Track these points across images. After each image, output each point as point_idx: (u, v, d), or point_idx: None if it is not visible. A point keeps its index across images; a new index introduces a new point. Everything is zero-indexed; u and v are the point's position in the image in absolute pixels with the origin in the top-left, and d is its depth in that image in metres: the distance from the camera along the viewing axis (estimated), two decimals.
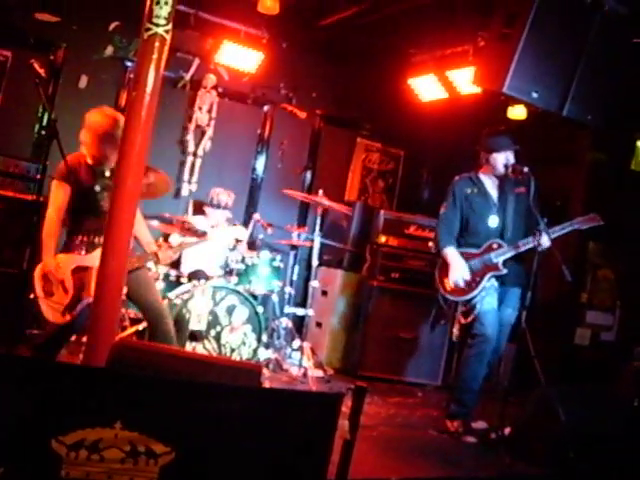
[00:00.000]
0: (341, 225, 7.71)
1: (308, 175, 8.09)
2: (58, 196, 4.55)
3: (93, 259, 4.45)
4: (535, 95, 4.86)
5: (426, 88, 7.37)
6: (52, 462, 2.08)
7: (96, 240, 4.58)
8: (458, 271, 5.13)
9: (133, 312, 6.10)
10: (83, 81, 6.73)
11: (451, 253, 5.17)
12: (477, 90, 6.08)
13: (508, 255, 5.08)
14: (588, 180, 7.50)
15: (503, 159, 5.14)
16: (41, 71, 3.78)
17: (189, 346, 5.69)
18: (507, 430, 4.82)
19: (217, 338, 5.80)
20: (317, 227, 6.58)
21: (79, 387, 2.13)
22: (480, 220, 5.20)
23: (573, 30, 4.92)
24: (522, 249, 5.05)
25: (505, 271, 5.08)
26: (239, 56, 7.08)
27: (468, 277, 5.10)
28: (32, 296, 4.57)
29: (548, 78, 4.89)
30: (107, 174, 4.68)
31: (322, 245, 6.64)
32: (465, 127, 7.57)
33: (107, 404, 2.13)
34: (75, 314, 4.55)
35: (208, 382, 2.45)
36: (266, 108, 7.81)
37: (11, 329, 4.95)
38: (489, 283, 5.10)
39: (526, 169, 4.94)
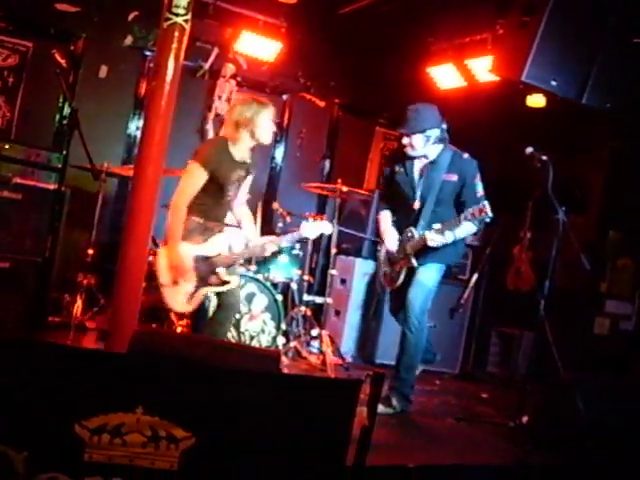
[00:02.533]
0: (360, 213, 7.72)
1: (327, 164, 8.09)
2: (195, 182, 4.38)
3: (213, 247, 4.48)
4: (554, 83, 4.84)
5: (445, 76, 7.35)
6: (75, 446, 2.11)
7: (216, 229, 4.54)
8: (389, 240, 5.00)
9: None
10: (103, 71, 6.77)
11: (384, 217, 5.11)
12: (496, 78, 6.06)
13: (417, 248, 4.81)
14: (607, 169, 7.46)
15: (406, 139, 4.87)
16: (62, 61, 3.84)
17: None
18: (525, 418, 4.83)
19: (236, 326, 5.83)
20: (335, 215, 6.60)
21: (101, 372, 2.15)
22: (403, 200, 4.98)
23: (593, 17, 4.89)
24: (420, 245, 4.78)
25: (416, 265, 4.83)
26: (258, 45, 7.09)
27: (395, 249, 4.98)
28: (154, 284, 4.47)
29: (567, 66, 4.87)
30: (248, 161, 4.60)
31: (341, 233, 6.65)
32: (484, 115, 7.56)
33: (129, 389, 2.16)
34: (198, 302, 4.55)
35: (227, 368, 2.48)
36: (285, 97, 7.82)
37: (34, 316, 5.02)
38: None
39: (544, 158, 4.88)
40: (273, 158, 7.90)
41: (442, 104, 7.53)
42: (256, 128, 4.45)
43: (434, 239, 4.63)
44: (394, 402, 4.83)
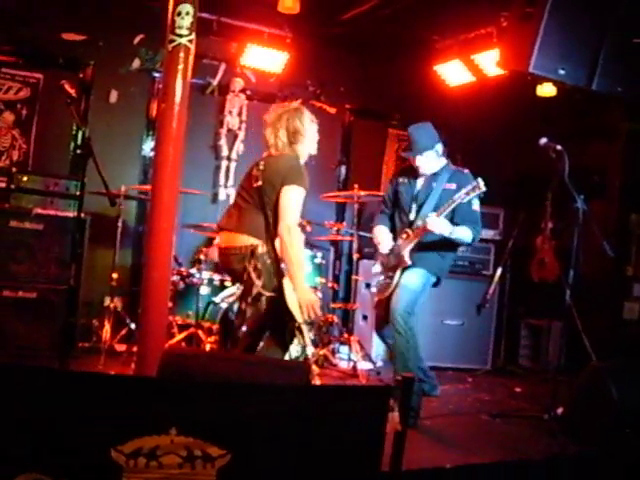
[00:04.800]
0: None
1: (343, 170, 8.10)
2: (301, 205, 4.17)
3: None
4: (562, 72, 4.81)
5: (453, 73, 7.34)
6: (113, 471, 2.13)
7: None
8: (383, 245, 4.95)
9: (180, 318, 6.20)
10: (113, 96, 6.84)
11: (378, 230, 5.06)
12: (504, 71, 6.04)
13: (413, 241, 4.76)
14: (624, 151, 7.41)
15: (418, 161, 4.88)
16: (72, 91, 3.86)
17: None
18: (560, 410, 4.80)
19: None
20: (354, 221, 6.62)
21: (133, 397, 2.18)
22: (402, 211, 4.97)
23: (597, 2, 4.87)
24: (418, 236, 4.74)
25: (409, 263, 4.77)
26: (264, 57, 7.12)
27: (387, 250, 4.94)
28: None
29: (574, 53, 4.84)
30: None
31: (362, 238, 6.66)
32: (496, 108, 7.53)
33: (161, 412, 2.17)
34: None
35: (257, 383, 2.49)
36: None
37: (64, 343, 5.07)
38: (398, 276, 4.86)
39: (559, 147, 4.86)
40: None
41: (453, 101, 7.62)
42: (306, 137, 4.32)
43: (434, 222, 4.57)
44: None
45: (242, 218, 4.25)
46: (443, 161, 4.93)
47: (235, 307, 5.78)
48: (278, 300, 4.10)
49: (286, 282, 4.11)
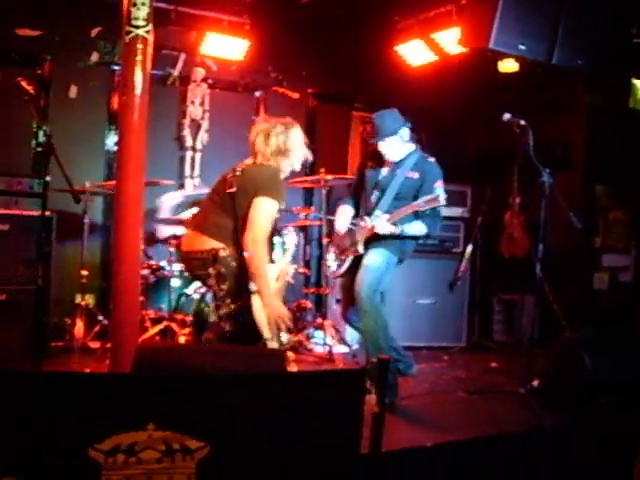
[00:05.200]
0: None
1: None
2: (272, 219, 4.16)
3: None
4: (522, 47, 4.85)
5: (414, 53, 7.32)
6: (92, 470, 2.12)
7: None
8: (339, 223, 4.98)
9: (153, 312, 6.16)
10: (73, 91, 6.73)
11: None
12: (465, 49, 6.05)
13: (365, 235, 4.76)
14: (587, 124, 7.47)
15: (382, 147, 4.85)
16: (29, 88, 3.80)
17: None
18: (535, 383, 4.85)
19: None
20: (323, 205, 6.61)
21: (108, 395, 2.16)
22: (365, 196, 4.96)
23: None
24: (369, 233, 4.73)
25: (362, 252, 4.77)
26: (224, 45, 7.06)
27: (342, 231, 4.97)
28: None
29: (533, 28, 4.88)
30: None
31: (331, 222, 6.65)
32: (459, 86, 7.54)
33: (137, 407, 2.16)
34: None
35: (232, 373, 2.48)
36: (258, 94, 7.79)
37: (36, 344, 5.01)
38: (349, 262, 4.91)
39: (522, 122, 4.88)
40: None
41: (416, 81, 7.62)
42: (294, 152, 4.30)
43: (382, 226, 4.59)
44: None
45: (207, 219, 4.20)
46: (411, 147, 4.90)
47: (208, 297, 5.76)
48: (246, 316, 4.07)
49: (255, 299, 4.06)
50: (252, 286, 4.03)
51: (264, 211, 4.04)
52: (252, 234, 4.01)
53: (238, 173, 4.17)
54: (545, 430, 4.20)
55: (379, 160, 4.94)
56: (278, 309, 4.07)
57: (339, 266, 4.99)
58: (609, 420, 4.23)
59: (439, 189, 4.67)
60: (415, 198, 4.65)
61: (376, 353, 4.37)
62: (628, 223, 7.88)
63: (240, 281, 4.08)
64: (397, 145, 4.82)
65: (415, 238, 4.87)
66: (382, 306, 4.70)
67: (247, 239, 4.02)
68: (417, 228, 4.72)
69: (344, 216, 4.99)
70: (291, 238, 4.50)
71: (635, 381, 4.49)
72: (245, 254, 4.05)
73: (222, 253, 4.06)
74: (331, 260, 5.11)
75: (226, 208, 4.14)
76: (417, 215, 4.70)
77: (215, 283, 4.06)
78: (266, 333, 4.07)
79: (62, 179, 4.86)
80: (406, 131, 4.83)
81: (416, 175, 4.76)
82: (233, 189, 4.11)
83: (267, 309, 4.04)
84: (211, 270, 4.05)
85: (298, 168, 4.40)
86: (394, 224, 4.61)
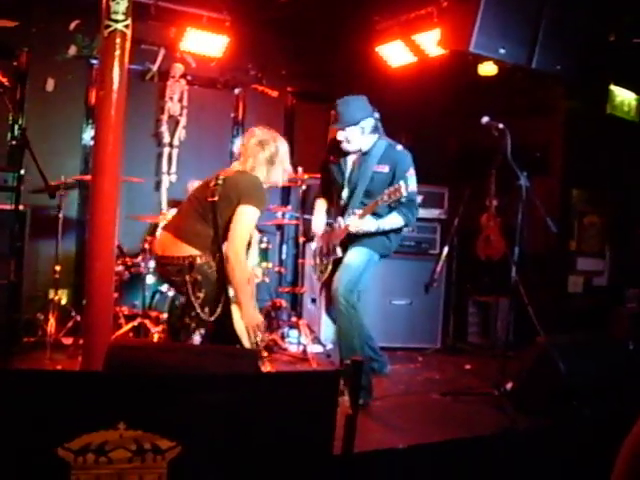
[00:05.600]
0: None
1: None
2: (252, 227, 4.21)
3: None
4: (502, 51, 4.86)
5: (394, 54, 7.32)
6: (61, 469, 2.10)
7: None
8: (315, 223, 4.96)
9: (127, 309, 6.12)
10: (50, 84, 6.65)
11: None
12: (445, 51, 6.06)
13: (341, 237, 4.72)
14: (565, 129, 7.52)
15: (341, 135, 4.73)
16: (4, 80, 3.75)
17: None
18: (509, 385, 4.86)
19: None
20: (300, 204, 6.60)
21: (78, 393, 2.14)
22: (336, 193, 4.89)
23: None
24: (344, 233, 4.69)
25: (340, 255, 4.73)
26: (204, 42, 7.01)
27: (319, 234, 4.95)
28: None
29: (514, 32, 4.90)
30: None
31: (308, 222, 6.64)
32: (439, 88, 7.56)
33: (108, 406, 2.14)
34: None
35: (204, 374, 2.46)
36: (237, 91, 7.76)
37: (8, 340, 4.96)
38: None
39: (501, 125, 4.88)
40: (232, 153, 7.81)
41: (395, 82, 7.62)
42: (283, 168, 4.34)
43: (354, 224, 4.55)
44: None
45: (186, 225, 4.18)
46: (373, 138, 4.74)
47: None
48: (224, 324, 4.07)
49: (234, 308, 4.07)
50: (231, 293, 4.04)
51: (246, 220, 4.07)
52: (234, 246, 4.02)
53: (220, 182, 4.14)
54: (519, 432, 4.22)
55: (342, 152, 4.81)
56: (255, 318, 4.10)
57: (321, 271, 4.94)
58: (583, 423, 4.26)
59: (411, 178, 4.61)
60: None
61: (349, 354, 4.37)
62: (603, 228, 7.95)
63: (217, 289, 4.07)
64: (356, 136, 4.68)
65: (396, 231, 4.80)
66: (358, 306, 4.64)
67: (229, 250, 4.03)
68: (394, 220, 4.66)
69: (319, 215, 4.95)
70: (255, 237, 4.47)
71: (608, 384, 4.53)
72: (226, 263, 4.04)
73: (199, 261, 4.05)
74: (316, 265, 5.05)
75: (206, 216, 4.12)
76: (391, 208, 4.64)
77: (191, 291, 4.04)
78: (245, 342, 4.07)
79: (38, 173, 4.83)
80: (370, 122, 4.69)
81: (386, 169, 4.65)
82: (215, 198, 4.09)
83: (245, 319, 4.06)
84: (187, 277, 4.03)
85: (280, 183, 4.42)
86: (364, 218, 4.54)
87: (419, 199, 4.87)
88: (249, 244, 4.23)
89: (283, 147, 4.32)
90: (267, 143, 4.26)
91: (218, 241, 4.07)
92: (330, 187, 4.99)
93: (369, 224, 4.58)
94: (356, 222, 4.56)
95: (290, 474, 2.28)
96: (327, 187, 5.06)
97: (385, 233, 4.72)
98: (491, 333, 7.41)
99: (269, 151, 4.25)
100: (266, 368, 5.15)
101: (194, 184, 6.29)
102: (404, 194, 4.36)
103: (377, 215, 4.62)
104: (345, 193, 4.79)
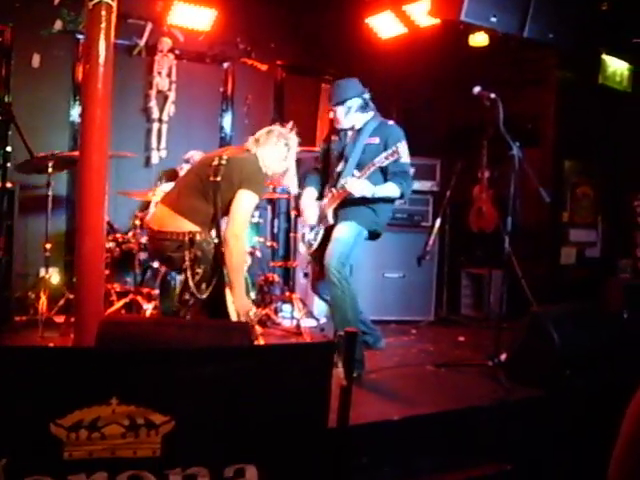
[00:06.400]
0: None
1: None
2: (252, 211, 4.31)
3: None
4: (494, 19, 4.82)
5: (384, 25, 7.28)
6: (53, 446, 2.08)
7: None
8: (307, 215, 4.99)
9: (119, 285, 6.09)
10: (36, 60, 6.55)
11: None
12: (436, 21, 6.00)
13: (335, 202, 4.76)
14: (557, 99, 7.47)
15: (331, 114, 5.01)
16: None
17: None
18: (503, 356, 4.87)
19: None
20: None
21: (70, 369, 2.12)
22: (331, 167, 4.98)
23: None
24: (340, 197, 4.73)
25: (332, 222, 4.79)
26: (192, 15, 6.93)
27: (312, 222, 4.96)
28: None
29: (505, 0, 4.84)
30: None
31: (299, 195, 6.61)
32: (429, 60, 7.51)
33: (100, 381, 2.12)
34: None
35: (197, 347, 2.44)
36: (226, 65, 7.69)
37: None
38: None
39: (493, 95, 4.85)
40: (222, 128, 7.79)
41: (386, 54, 7.56)
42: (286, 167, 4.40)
43: (352, 183, 4.55)
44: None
45: (185, 200, 4.15)
46: (364, 116, 4.86)
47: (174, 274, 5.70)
48: (217, 302, 4.07)
49: (228, 292, 4.08)
50: (227, 277, 4.05)
51: (246, 206, 4.09)
52: (234, 229, 4.03)
53: (224, 162, 4.11)
54: (513, 403, 4.22)
55: (339, 132, 4.95)
56: (245, 305, 4.12)
57: (310, 242, 4.93)
58: (576, 393, 4.27)
59: (403, 149, 4.63)
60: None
61: (344, 326, 4.37)
62: (595, 199, 7.94)
63: (213, 266, 4.07)
64: (342, 115, 4.82)
65: (390, 201, 4.83)
66: (350, 279, 4.68)
67: (229, 233, 4.03)
68: (390, 189, 4.68)
69: (312, 207, 4.97)
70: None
71: (602, 354, 4.53)
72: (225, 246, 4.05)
73: (199, 237, 4.04)
74: (305, 237, 5.04)
75: (207, 195, 4.10)
76: (386, 178, 4.69)
77: (189, 267, 4.02)
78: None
79: (25, 151, 4.77)
80: (356, 102, 4.81)
81: (376, 140, 4.75)
82: (217, 178, 4.07)
83: (236, 303, 4.08)
84: (187, 253, 4.00)
85: (275, 180, 4.51)
86: (362, 181, 4.56)
87: (411, 171, 4.88)
88: None
89: (294, 147, 4.38)
90: (285, 137, 4.32)
91: (217, 220, 4.07)
92: (326, 161, 5.05)
93: (366, 187, 4.58)
94: (354, 182, 4.55)
95: (285, 447, 2.27)
96: (322, 163, 5.10)
97: (374, 202, 4.71)
98: (484, 305, 7.42)
99: (284, 145, 4.31)
100: (259, 343, 5.14)
101: (195, 156, 6.25)
102: (403, 158, 4.50)
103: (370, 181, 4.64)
104: (339, 167, 4.85)
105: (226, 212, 4.12)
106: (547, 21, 5.06)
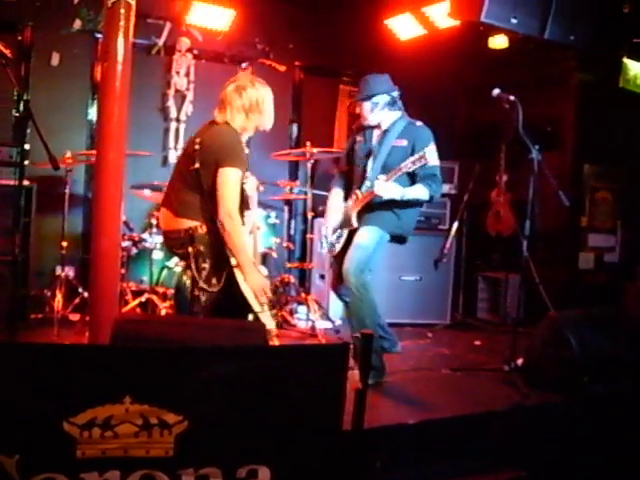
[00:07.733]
0: (333, 175, 7.66)
1: (294, 128, 7.99)
2: (238, 187, 4.02)
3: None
4: (514, 21, 4.78)
5: (404, 27, 7.24)
6: (66, 444, 2.08)
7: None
8: (330, 220, 4.92)
9: (134, 284, 6.09)
10: (55, 58, 6.58)
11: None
12: (455, 23, 5.96)
13: (360, 206, 4.69)
14: (577, 102, 7.43)
15: (357, 109, 4.85)
16: (7, 52, 3.67)
17: None
18: (520, 361, 4.83)
19: None
20: (308, 179, 6.54)
21: (83, 367, 2.11)
22: (356, 168, 4.87)
23: None
24: (365, 199, 4.65)
25: (356, 226, 4.69)
26: (210, 15, 6.92)
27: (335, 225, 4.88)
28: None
29: (526, 2, 4.80)
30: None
31: (316, 197, 6.59)
32: (448, 62, 7.49)
33: (113, 380, 2.12)
34: None
35: (211, 346, 2.42)
36: (244, 65, 7.67)
37: (15, 316, 4.92)
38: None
39: (512, 98, 4.81)
40: None
41: (405, 55, 7.53)
42: (264, 114, 4.13)
43: (381, 186, 4.47)
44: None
45: (177, 198, 4.07)
46: (396, 114, 4.76)
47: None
48: (234, 289, 3.98)
49: (237, 272, 3.97)
50: (233, 260, 3.96)
51: (229, 183, 3.92)
52: (224, 209, 3.89)
53: (197, 147, 4.01)
54: (529, 408, 4.18)
55: (364, 130, 4.85)
56: (258, 280, 3.99)
57: (333, 244, 4.88)
58: (594, 398, 4.22)
59: (431, 152, 4.51)
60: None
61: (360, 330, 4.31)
62: (614, 203, 7.88)
63: (220, 257, 3.99)
64: (367, 110, 4.72)
65: (417, 205, 4.75)
66: (370, 285, 4.60)
67: (221, 215, 3.91)
68: (419, 191, 4.58)
69: (336, 211, 4.89)
70: (251, 184, 4.36)
71: (621, 359, 4.48)
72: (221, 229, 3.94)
73: (199, 231, 3.96)
74: (328, 239, 4.98)
75: (192, 184, 4.00)
76: (413, 181, 4.61)
77: (194, 262, 3.97)
78: (255, 306, 3.99)
79: (43, 147, 4.76)
80: (384, 98, 4.70)
81: (404, 142, 4.64)
82: (196, 165, 3.97)
83: (248, 282, 3.96)
84: (190, 249, 3.96)
85: (269, 126, 4.22)
86: (390, 183, 4.48)
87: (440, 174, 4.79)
88: (247, 206, 4.14)
89: (262, 92, 4.12)
90: (244, 89, 4.07)
91: (209, 208, 3.96)
92: (350, 162, 4.95)
93: (395, 189, 4.50)
94: (382, 185, 4.48)
95: (299, 449, 2.25)
96: (347, 163, 5.01)
97: (398, 206, 4.63)
98: (500, 309, 7.37)
99: (247, 98, 4.06)
100: (274, 343, 5.12)
101: None
102: (431, 162, 4.40)
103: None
104: (364, 165, 4.76)
105: (214, 198, 3.98)
106: (568, 23, 5.02)
